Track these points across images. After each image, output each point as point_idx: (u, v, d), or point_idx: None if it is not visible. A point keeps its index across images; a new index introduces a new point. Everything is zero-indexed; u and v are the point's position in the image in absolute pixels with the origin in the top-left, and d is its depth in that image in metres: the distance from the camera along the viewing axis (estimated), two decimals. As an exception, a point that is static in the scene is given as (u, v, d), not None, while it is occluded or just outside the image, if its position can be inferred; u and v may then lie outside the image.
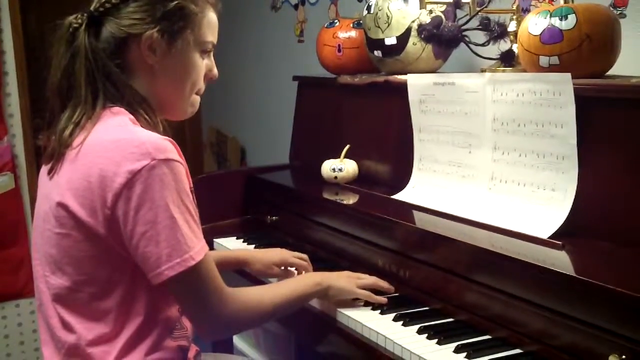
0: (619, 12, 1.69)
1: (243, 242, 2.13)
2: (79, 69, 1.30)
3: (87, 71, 1.29)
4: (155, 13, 1.31)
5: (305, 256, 1.79)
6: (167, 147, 1.24)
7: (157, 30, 1.31)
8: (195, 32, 1.36)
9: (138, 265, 1.24)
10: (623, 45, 1.52)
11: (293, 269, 1.80)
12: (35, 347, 3.26)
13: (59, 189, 1.27)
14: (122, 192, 1.20)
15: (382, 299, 1.55)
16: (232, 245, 2.10)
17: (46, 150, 1.34)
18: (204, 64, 1.41)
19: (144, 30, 1.31)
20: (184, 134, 4.22)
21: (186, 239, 1.22)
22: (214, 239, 2.17)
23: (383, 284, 1.60)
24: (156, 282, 1.22)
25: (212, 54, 1.44)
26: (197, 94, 1.43)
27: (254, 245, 2.07)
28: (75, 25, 1.31)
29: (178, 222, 1.21)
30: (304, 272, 1.75)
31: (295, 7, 3.17)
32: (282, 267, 1.78)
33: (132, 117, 1.30)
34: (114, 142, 1.23)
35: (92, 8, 1.33)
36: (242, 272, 1.87)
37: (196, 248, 1.23)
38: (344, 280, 1.55)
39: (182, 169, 1.25)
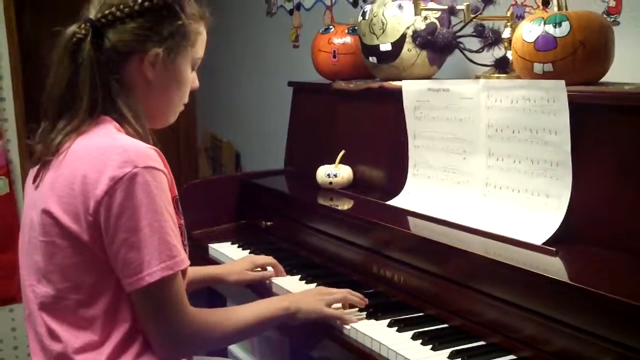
0: (612, 19, 1.70)
1: (238, 247, 2.13)
2: (83, 82, 1.28)
3: (91, 84, 1.28)
4: (162, 31, 1.32)
5: (270, 258, 1.85)
6: (150, 155, 1.24)
7: (162, 48, 1.32)
8: (193, 49, 1.39)
9: (116, 271, 1.24)
10: (617, 52, 1.53)
11: (270, 269, 1.83)
12: (29, 352, 3.25)
13: (43, 196, 1.27)
14: (103, 199, 1.20)
15: (352, 318, 1.51)
16: (227, 251, 2.10)
17: (33, 155, 1.34)
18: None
19: (150, 47, 1.31)
20: (179, 139, 4.22)
21: (167, 248, 1.22)
22: (209, 244, 2.17)
23: (354, 298, 1.55)
24: (133, 289, 1.22)
25: None
26: (183, 104, 1.45)
27: (249, 251, 2.07)
28: (80, 35, 1.29)
29: (159, 230, 1.21)
30: (271, 269, 1.83)
31: (291, 12, 3.17)
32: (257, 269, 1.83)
33: (117, 125, 1.29)
34: (98, 149, 1.23)
35: (93, 17, 1.31)
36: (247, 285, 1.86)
37: (177, 258, 1.24)
38: (313, 301, 1.50)
39: (164, 178, 1.25)
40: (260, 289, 1.82)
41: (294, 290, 1.74)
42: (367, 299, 1.56)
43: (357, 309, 1.55)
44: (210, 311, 1.37)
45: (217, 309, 1.41)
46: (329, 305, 1.51)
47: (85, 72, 1.28)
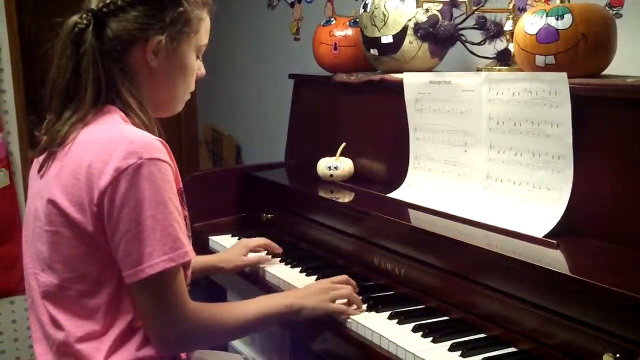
0: (614, 11, 1.69)
1: (238, 239, 2.13)
2: (86, 71, 1.28)
3: (94, 73, 1.28)
4: (164, 18, 1.32)
5: (262, 238, 1.91)
6: (155, 146, 1.23)
7: (165, 35, 1.32)
8: (196, 36, 1.38)
9: (118, 262, 1.24)
10: (619, 45, 1.53)
11: (264, 253, 1.89)
12: (29, 344, 3.26)
13: (48, 186, 1.27)
14: (107, 190, 1.19)
15: (357, 313, 1.51)
16: (228, 243, 2.10)
17: (37, 146, 1.34)
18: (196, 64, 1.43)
19: (152, 35, 1.31)
20: (180, 131, 4.21)
21: (170, 240, 1.21)
22: (210, 237, 2.17)
23: (356, 297, 1.54)
24: (133, 280, 1.22)
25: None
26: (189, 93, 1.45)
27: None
28: (81, 25, 1.30)
29: (162, 222, 1.21)
30: (266, 251, 1.91)
31: (292, 5, 3.17)
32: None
33: (123, 115, 1.29)
34: (103, 140, 1.23)
35: (95, 7, 1.31)
36: (246, 277, 1.88)
37: (180, 250, 1.23)
38: (317, 297, 1.49)
39: (169, 169, 1.24)
40: (256, 279, 1.84)
41: (287, 278, 1.75)
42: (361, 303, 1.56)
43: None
44: (212, 306, 1.35)
45: (219, 304, 1.40)
46: (333, 300, 1.51)
47: (87, 62, 1.28)
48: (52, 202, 1.25)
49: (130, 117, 1.30)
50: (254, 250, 1.89)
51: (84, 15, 1.30)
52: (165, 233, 1.21)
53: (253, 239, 1.93)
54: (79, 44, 1.30)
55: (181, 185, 1.33)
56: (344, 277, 1.58)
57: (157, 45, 1.32)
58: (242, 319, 1.37)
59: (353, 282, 1.58)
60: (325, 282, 1.57)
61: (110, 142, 1.22)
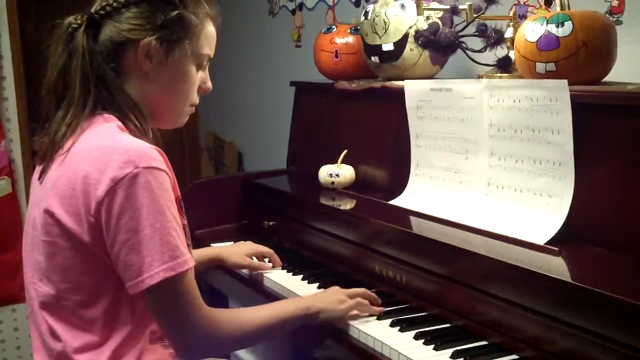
0: (615, 19, 1.69)
1: (241, 246, 2.13)
2: (75, 70, 1.29)
3: (82, 72, 1.29)
4: (156, 20, 1.31)
5: (268, 248, 1.92)
6: (152, 155, 1.23)
7: (155, 37, 1.31)
8: (193, 43, 1.36)
9: (119, 274, 1.23)
10: (619, 52, 1.53)
11: (266, 260, 1.89)
12: (31, 352, 3.26)
13: (46, 195, 1.27)
14: (104, 200, 1.19)
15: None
16: (229, 250, 2.10)
17: (39, 152, 1.34)
18: (199, 76, 1.41)
19: (143, 36, 1.30)
20: (182, 138, 4.22)
21: (169, 249, 1.21)
22: (212, 244, 2.17)
23: (372, 296, 1.56)
24: (136, 291, 1.21)
25: (207, 66, 1.44)
26: (190, 105, 1.43)
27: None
28: (75, 25, 1.31)
29: (161, 231, 1.20)
30: (270, 262, 1.90)
31: (293, 12, 3.17)
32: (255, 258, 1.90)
33: (121, 124, 1.29)
34: (99, 149, 1.23)
35: (92, 10, 1.32)
36: (247, 283, 1.89)
37: (179, 259, 1.22)
38: (333, 302, 1.49)
39: (166, 178, 1.24)
40: (257, 285, 1.85)
41: (288, 286, 1.75)
42: (381, 307, 1.56)
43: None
44: (229, 311, 1.36)
45: (235, 309, 1.39)
46: (350, 309, 1.51)
47: (77, 60, 1.29)
48: (48, 213, 1.25)
49: (126, 123, 1.30)
50: (258, 255, 1.89)
51: (79, 17, 1.32)
52: (164, 242, 1.20)
53: (262, 246, 1.93)
54: (70, 43, 1.31)
55: (179, 194, 1.32)
56: (362, 290, 1.57)
57: (148, 46, 1.31)
58: (259, 323, 1.37)
59: (373, 295, 1.57)
60: (339, 290, 1.55)
61: (106, 151, 1.21)
